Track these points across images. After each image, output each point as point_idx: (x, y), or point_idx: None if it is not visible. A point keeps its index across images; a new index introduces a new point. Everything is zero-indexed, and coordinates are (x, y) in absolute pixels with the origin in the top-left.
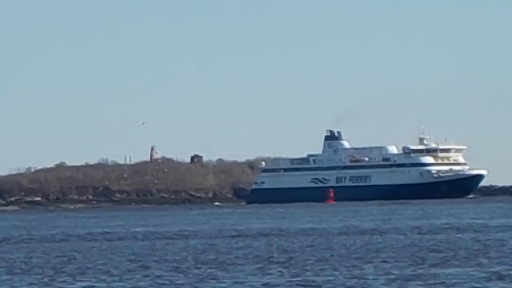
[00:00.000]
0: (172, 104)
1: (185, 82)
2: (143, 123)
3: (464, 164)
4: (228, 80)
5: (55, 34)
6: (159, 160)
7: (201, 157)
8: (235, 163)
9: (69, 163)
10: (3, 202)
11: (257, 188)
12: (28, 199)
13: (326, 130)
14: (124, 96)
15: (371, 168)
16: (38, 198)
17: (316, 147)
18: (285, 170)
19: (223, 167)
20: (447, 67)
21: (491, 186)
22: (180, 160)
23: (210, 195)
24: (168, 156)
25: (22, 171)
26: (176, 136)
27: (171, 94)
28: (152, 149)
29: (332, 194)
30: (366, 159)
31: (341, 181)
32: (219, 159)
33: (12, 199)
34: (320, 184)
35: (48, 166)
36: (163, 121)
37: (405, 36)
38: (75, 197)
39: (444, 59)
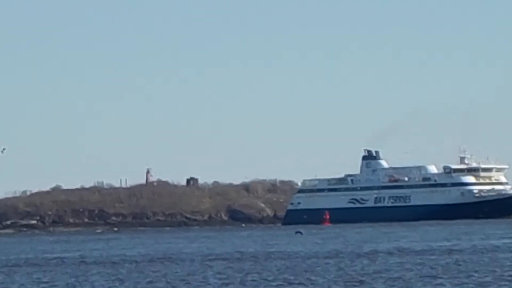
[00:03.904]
0: (168, 127)
1: (181, 104)
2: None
3: (506, 183)
4: (228, 102)
5: (52, 51)
6: (155, 183)
7: (196, 179)
8: (231, 185)
9: (64, 187)
10: None
11: (293, 209)
12: (24, 222)
13: (364, 150)
14: (120, 119)
15: (410, 188)
16: (34, 222)
17: (353, 167)
18: (322, 190)
19: (219, 190)
20: (488, 85)
21: None
22: (175, 183)
23: (206, 217)
24: (164, 179)
25: (18, 194)
26: (172, 159)
27: (167, 117)
28: (147, 172)
29: (328, 217)
30: (406, 178)
31: (380, 201)
32: (215, 182)
33: (8, 222)
34: (358, 205)
35: (44, 189)
36: (158, 144)
37: (445, 52)
38: (71, 220)
39: (485, 76)
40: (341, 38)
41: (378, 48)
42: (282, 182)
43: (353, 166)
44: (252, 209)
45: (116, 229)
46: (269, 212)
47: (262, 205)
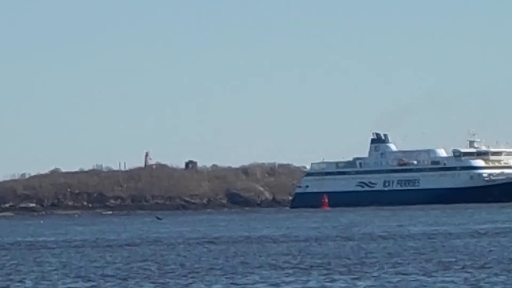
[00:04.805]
0: (167, 110)
1: (180, 87)
2: None
3: None
4: (227, 85)
5: (50, 38)
6: (154, 166)
7: (195, 163)
8: (229, 169)
9: (63, 170)
10: None
11: (301, 192)
12: (23, 205)
13: (372, 133)
14: (119, 102)
15: (419, 171)
16: (33, 204)
17: (362, 151)
18: (331, 173)
19: (217, 173)
20: (497, 68)
21: None
22: (174, 166)
23: (204, 201)
24: (163, 162)
25: (16, 177)
26: (171, 142)
27: (166, 100)
28: (146, 155)
29: (326, 200)
30: (415, 162)
31: (389, 184)
32: (214, 165)
33: (7, 205)
34: (366, 188)
35: (43, 172)
36: (157, 127)
37: (454, 34)
38: (70, 203)
39: (494, 60)
40: (350, 18)
41: (389, 30)
42: (281, 165)
43: (362, 150)
44: (250, 193)
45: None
46: (268, 195)
47: (261, 188)
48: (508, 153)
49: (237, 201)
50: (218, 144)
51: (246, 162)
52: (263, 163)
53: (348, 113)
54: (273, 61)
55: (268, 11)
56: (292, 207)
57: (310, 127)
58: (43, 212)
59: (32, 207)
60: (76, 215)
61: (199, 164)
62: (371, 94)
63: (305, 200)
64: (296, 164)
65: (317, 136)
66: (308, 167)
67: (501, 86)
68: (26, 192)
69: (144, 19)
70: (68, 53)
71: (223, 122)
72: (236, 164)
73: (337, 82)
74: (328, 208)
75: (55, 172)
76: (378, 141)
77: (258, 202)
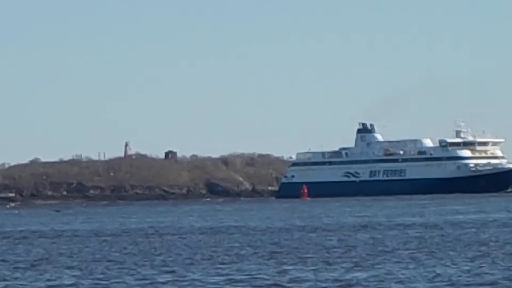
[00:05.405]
0: (146, 100)
1: (160, 77)
2: None
3: (502, 157)
4: (207, 74)
5: (26, 29)
6: (133, 156)
7: (175, 153)
8: (209, 159)
9: (43, 159)
10: None
11: (287, 182)
12: (2, 195)
13: (358, 123)
14: (99, 92)
15: (406, 161)
16: (12, 194)
17: (348, 141)
18: (317, 163)
19: (197, 163)
20: (484, 57)
21: None
22: (154, 156)
23: (184, 191)
24: (142, 152)
25: None
26: (150, 132)
27: (146, 90)
28: (126, 145)
29: (306, 190)
30: (401, 152)
31: (375, 175)
32: (193, 155)
33: None
34: (352, 178)
35: (22, 162)
36: (137, 117)
37: (441, 24)
38: (49, 193)
39: (481, 50)
40: (336, 5)
41: (377, 20)
42: (260, 155)
43: (349, 140)
44: (230, 183)
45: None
46: (248, 185)
47: (241, 178)
48: (495, 143)
49: (216, 191)
50: (198, 134)
51: (225, 152)
52: (243, 153)
53: (334, 103)
54: (254, 49)
55: None
56: (277, 197)
57: (294, 117)
58: (19, 203)
59: (11, 197)
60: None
61: (179, 154)
62: (357, 84)
63: (291, 190)
64: (276, 154)
65: (302, 127)
66: (294, 157)
67: (488, 76)
68: (5, 182)
69: (124, 8)
70: (47, 40)
71: (203, 112)
72: (215, 154)
73: (322, 72)
74: (308, 198)
75: (34, 162)
76: (364, 131)
77: (238, 192)
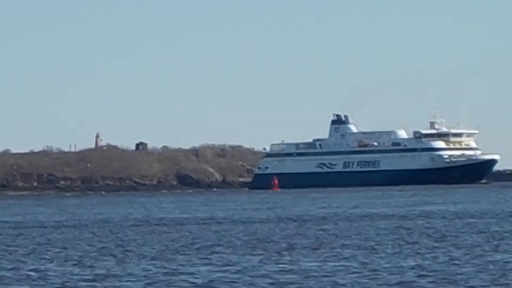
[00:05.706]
0: (117, 91)
1: (131, 68)
2: None
3: (476, 148)
4: (178, 66)
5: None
6: (104, 148)
7: (146, 144)
8: (180, 150)
9: (14, 151)
10: None
11: (261, 174)
12: None
13: (333, 114)
14: (69, 83)
15: (380, 152)
16: None
17: (322, 132)
18: (290, 154)
19: (168, 154)
20: (459, 50)
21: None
22: (125, 148)
23: (155, 182)
24: (113, 143)
25: None
26: (121, 123)
27: (116, 81)
28: (97, 136)
29: (276, 182)
30: (375, 143)
31: (349, 166)
32: (164, 146)
33: None
34: (326, 169)
35: None
36: (108, 108)
37: (417, 17)
38: (20, 184)
39: (456, 42)
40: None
41: (349, 12)
42: (231, 147)
43: (323, 131)
44: (201, 174)
45: None
46: (218, 177)
47: (211, 170)
48: (469, 135)
49: (187, 182)
50: (169, 125)
51: (196, 144)
52: (214, 145)
53: (308, 94)
54: (227, 39)
55: None
56: (251, 188)
57: (266, 109)
58: None
59: None
60: None
61: (150, 145)
62: (332, 75)
63: (264, 181)
64: (247, 146)
65: (275, 118)
66: (268, 148)
67: (462, 68)
68: None
69: (90, 8)
70: (16, 35)
71: (174, 103)
72: (186, 145)
73: (297, 62)
74: (279, 190)
75: (5, 153)
76: (339, 122)
77: (208, 183)
